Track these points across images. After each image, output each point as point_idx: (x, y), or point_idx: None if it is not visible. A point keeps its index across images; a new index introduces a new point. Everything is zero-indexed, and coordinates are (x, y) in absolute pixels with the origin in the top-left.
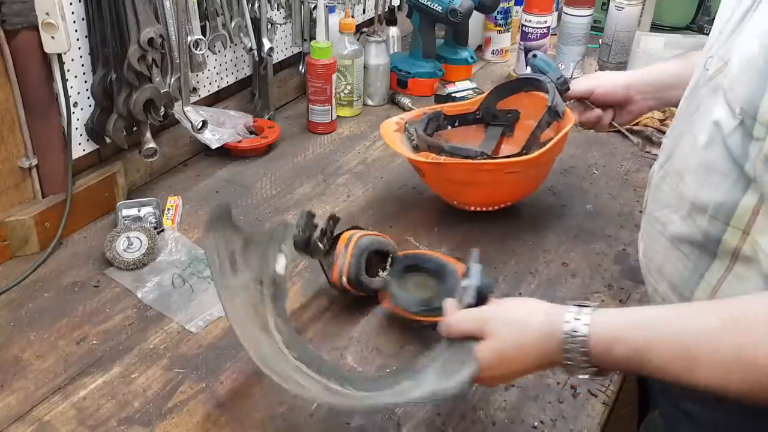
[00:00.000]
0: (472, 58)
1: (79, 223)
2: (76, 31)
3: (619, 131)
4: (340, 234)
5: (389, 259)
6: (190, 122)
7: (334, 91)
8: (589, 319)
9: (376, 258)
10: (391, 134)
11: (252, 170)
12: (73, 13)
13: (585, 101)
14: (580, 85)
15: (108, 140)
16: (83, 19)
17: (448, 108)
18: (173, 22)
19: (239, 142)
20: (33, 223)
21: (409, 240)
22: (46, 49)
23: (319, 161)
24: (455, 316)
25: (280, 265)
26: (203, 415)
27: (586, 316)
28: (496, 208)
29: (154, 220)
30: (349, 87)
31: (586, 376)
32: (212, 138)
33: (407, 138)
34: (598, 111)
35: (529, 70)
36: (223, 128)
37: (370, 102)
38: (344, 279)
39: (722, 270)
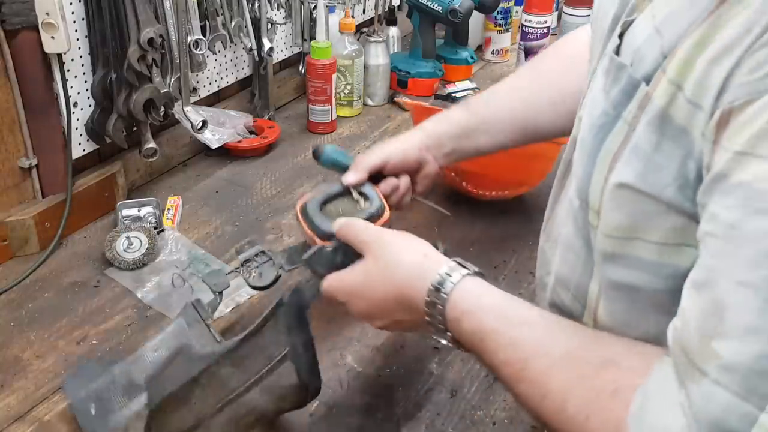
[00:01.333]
0: (472, 58)
1: (79, 223)
2: (76, 31)
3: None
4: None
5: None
6: (190, 122)
7: (334, 91)
8: (458, 280)
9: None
10: None
11: (252, 170)
12: (73, 13)
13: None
14: (369, 160)
15: (108, 140)
16: (83, 19)
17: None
18: (173, 22)
19: (239, 142)
20: (33, 223)
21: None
22: (46, 49)
23: None
24: (355, 222)
25: (215, 334)
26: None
27: (458, 275)
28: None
29: (154, 220)
30: (349, 87)
31: (445, 342)
32: (212, 138)
33: None
34: (391, 181)
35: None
36: (223, 128)
37: (370, 102)
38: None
39: None
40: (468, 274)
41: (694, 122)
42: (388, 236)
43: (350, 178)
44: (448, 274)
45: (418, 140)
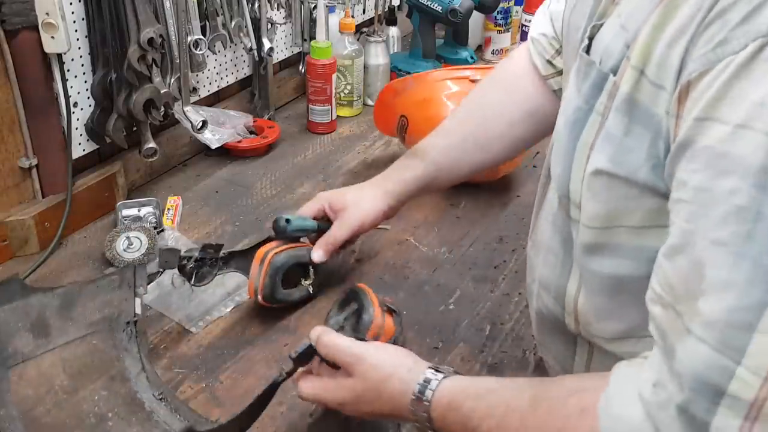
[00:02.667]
0: (472, 58)
1: (79, 223)
2: (76, 31)
3: None
4: (253, 248)
5: (310, 269)
6: (190, 122)
7: (334, 91)
8: (436, 385)
9: (294, 267)
10: None
11: (252, 170)
12: (73, 13)
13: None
14: (339, 236)
15: (108, 140)
16: (83, 19)
17: None
18: (173, 22)
19: (239, 142)
20: (33, 223)
21: (409, 240)
22: (46, 49)
23: (319, 161)
24: (334, 342)
25: (137, 306)
26: (203, 414)
27: (436, 382)
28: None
29: (154, 220)
30: (349, 87)
31: None
32: (212, 138)
33: None
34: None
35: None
36: (223, 128)
37: (370, 102)
38: (260, 297)
39: (584, 354)
40: (445, 377)
41: (658, 102)
42: (372, 358)
43: (317, 257)
44: (427, 381)
45: (383, 204)
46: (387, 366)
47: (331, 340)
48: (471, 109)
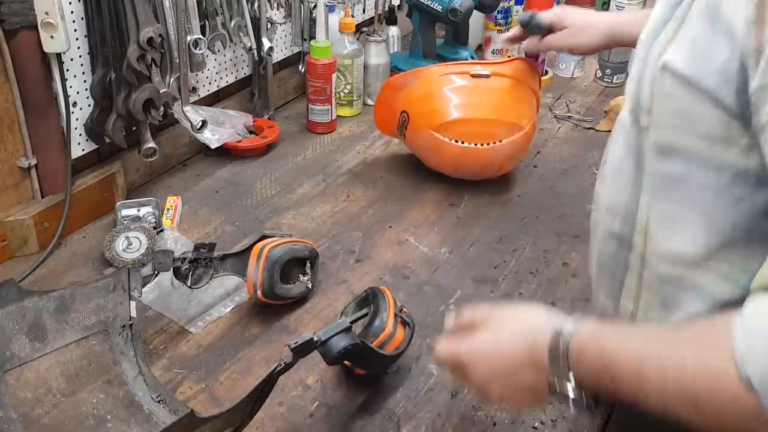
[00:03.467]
0: (472, 57)
1: (78, 223)
2: (75, 30)
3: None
4: (251, 247)
5: (307, 264)
6: (190, 122)
7: (333, 90)
8: (576, 323)
9: (291, 263)
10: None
11: (252, 170)
12: (72, 12)
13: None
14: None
15: (107, 140)
16: (82, 18)
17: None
18: (173, 22)
19: (239, 141)
20: (32, 223)
21: (409, 240)
22: (46, 49)
23: (318, 161)
24: (462, 317)
25: (132, 309)
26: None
27: (575, 321)
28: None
29: (153, 220)
30: (349, 87)
31: (570, 392)
32: (212, 138)
33: None
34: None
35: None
36: (222, 128)
37: (370, 102)
38: (259, 292)
39: (634, 278)
40: (582, 320)
41: (738, 9)
42: (506, 310)
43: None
44: (566, 323)
45: (606, 27)
46: (524, 311)
47: (455, 324)
48: None
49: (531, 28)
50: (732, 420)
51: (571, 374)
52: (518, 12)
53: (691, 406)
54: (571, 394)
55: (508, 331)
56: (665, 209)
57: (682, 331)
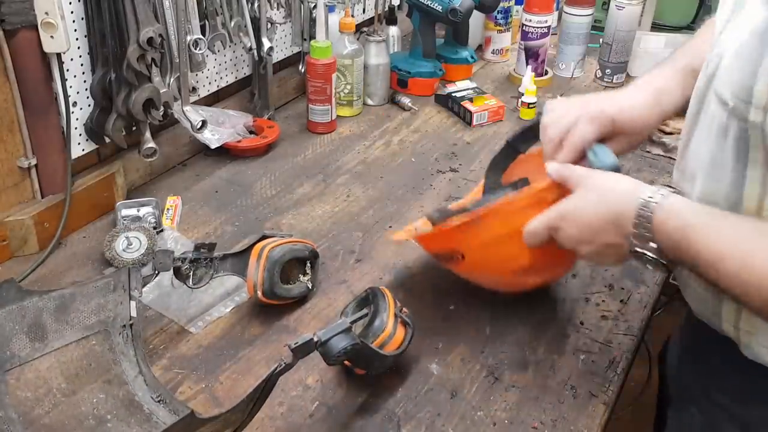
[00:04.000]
0: (472, 57)
1: (78, 223)
2: (75, 30)
3: None
4: (251, 247)
5: (307, 264)
6: (190, 122)
7: (333, 90)
8: (666, 193)
9: (292, 264)
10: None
11: (252, 170)
12: (72, 12)
13: None
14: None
15: (107, 140)
16: (82, 18)
17: (453, 206)
18: (173, 22)
19: (239, 141)
20: (32, 223)
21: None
22: (46, 49)
23: (318, 161)
24: (566, 165)
25: (132, 309)
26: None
27: (666, 191)
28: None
29: (153, 220)
30: (348, 87)
31: (650, 255)
32: (212, 138)
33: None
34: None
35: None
36: (222, 128)
37: (370, 102)
38: (259, 293)
39: None
40: (674, 191)
41: None
42: (598, 174)
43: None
44: (656, 193)
45: (609, 113)
46: (613, 178)
47: (563, 164)
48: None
49: None
50: None
51: (653, 241)
52: (518, 12)
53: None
54: (652, 255)
55: (596, 194)
56: None
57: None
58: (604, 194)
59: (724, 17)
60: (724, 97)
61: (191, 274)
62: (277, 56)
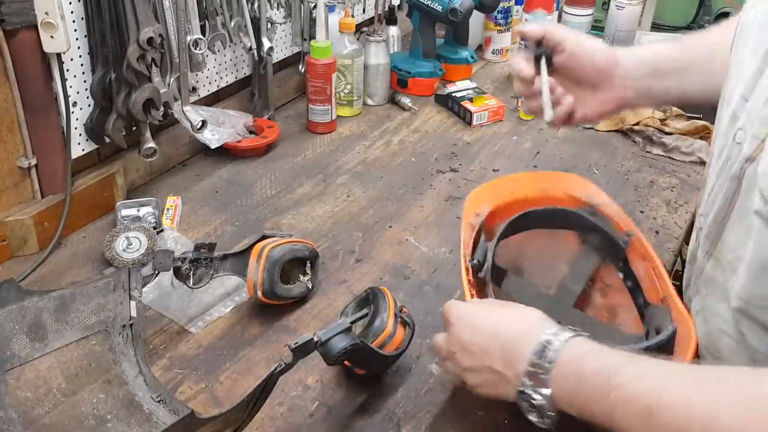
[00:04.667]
0: (472, 57)
1: (78, 223)
2: (75, 30)
3: (620, 131)
4: (251, 247)
5: (307, 264)
6: (190, 122)
7: (333, 90)
8: (570, 335)
9: (292, 264)
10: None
11: (252, 170)
12: (72, 12)
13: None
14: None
15: (107, 140)
16: (82, 18)
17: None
18: (173, 22)
19: (239, 141)
20: (32, 223)
21: (409, 240)
22: (46, 49)
23: (319, 161)
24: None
25: (132, 308)
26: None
27: (569, 333)
28: None
29: (153, 220)
30: (349, 87)
31: (539, 401)
32: (212, 138)
33: None
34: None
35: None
36: (222, 128)
37: (370, 102)
38: (259, 293)
39: None
40: (578, 335)
41: None
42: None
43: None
44: (559, 332)
45: (607, 50)
46: (527, 308)
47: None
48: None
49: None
50: None
51: (548, 388)
52: (518, 12)
53: None
54: (542, 403)
55: (495, 313)
56: None
57: (717, 381)
58: (511, 319)
59: (748, 73)
60: (765, 194)
61: (191, 274)
62: (277, 56)
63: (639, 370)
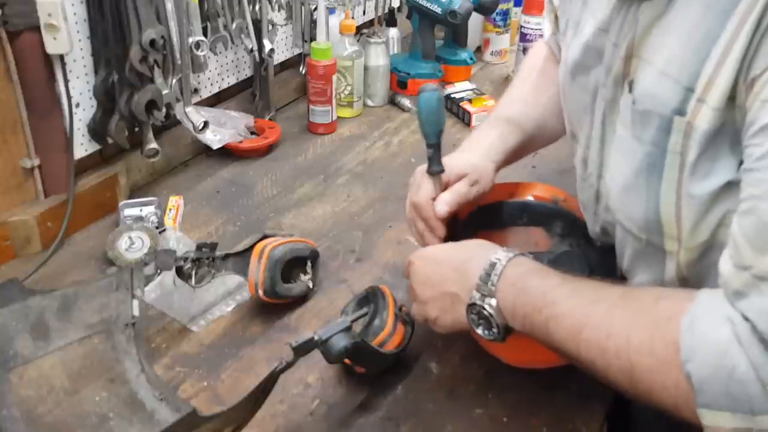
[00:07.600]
0: (471, 59)
1: (81, 222)
2: (78, 32)
3: None
4: (252, 246)
5: (308, 263)
6: (192, 123)
7: (334, 91)
8: (516, 253)
9: (292, 263)
10: None
11: (253, 170)
12: (75, 14)
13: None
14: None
15: (110, 140)
16: (85, 20)
17: None
18: (175, 24)
19: (240, 142)
20: (35, 223)
21: (409, 240)
22: (49, 50)
23: (319, 161)
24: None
25: (134, 307)
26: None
27: (511, 254)
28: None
29: (155, 220)
30: (349, 88)
31: (488, 312)
32: (213, 138)
33: None
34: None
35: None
36: (224, 129)
37: (370, 103)
38: (260, 292)
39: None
40: (523, 255)
41: (739, 115)
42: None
43: (441, 207)
44: (507, 252)
45: (487, 160)
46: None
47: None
48: (535, 82)
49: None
50: (664, 399)
51: (494, 298)
52: (517, 14)
53: (628, 375)
54: (491, 312)
55: (453, 246)
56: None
57: (632, 300)
58: (462, 245)
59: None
60: (626, 225)
61: (193, 273)
62: (278, 58)
63: (571, 289)
